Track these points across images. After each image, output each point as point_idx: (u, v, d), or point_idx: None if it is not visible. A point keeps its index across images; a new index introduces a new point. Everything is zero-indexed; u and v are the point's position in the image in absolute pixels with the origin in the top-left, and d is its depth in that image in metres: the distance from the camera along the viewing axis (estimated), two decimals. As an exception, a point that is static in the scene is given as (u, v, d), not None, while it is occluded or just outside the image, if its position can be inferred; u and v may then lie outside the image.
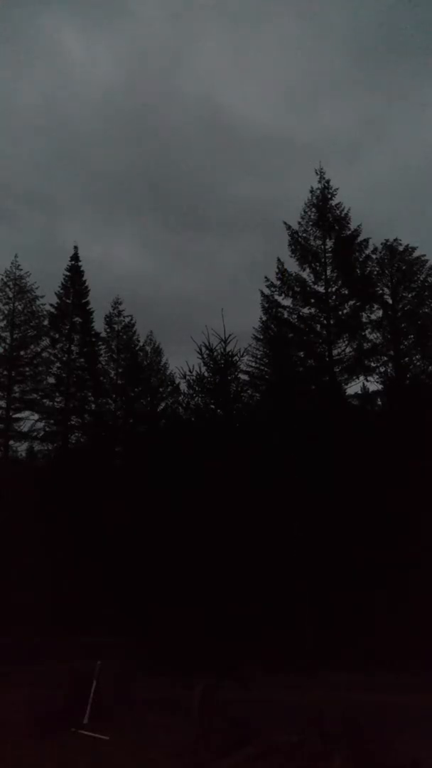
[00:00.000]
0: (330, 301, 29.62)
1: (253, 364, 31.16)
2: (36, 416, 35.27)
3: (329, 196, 30.43)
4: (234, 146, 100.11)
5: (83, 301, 36.96)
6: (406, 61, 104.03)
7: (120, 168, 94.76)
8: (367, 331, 29.77)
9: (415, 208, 74.94)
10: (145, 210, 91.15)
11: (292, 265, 30.18)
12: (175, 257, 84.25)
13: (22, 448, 36.64)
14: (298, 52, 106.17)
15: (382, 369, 29.83)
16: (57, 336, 36.23)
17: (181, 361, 40.38)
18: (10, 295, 35.88)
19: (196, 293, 72.90)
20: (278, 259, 30.27)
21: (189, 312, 65.96)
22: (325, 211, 30.22)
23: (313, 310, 29.94)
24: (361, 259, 30.14)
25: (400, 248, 30.66)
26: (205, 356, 22.69)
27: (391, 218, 66.44)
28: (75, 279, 37.00)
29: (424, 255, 30.44)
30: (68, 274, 36.97)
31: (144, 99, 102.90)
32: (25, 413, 35.43)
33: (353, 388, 29.78)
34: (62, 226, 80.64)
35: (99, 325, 37.49)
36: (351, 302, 29.71)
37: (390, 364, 29.83)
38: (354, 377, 29.31)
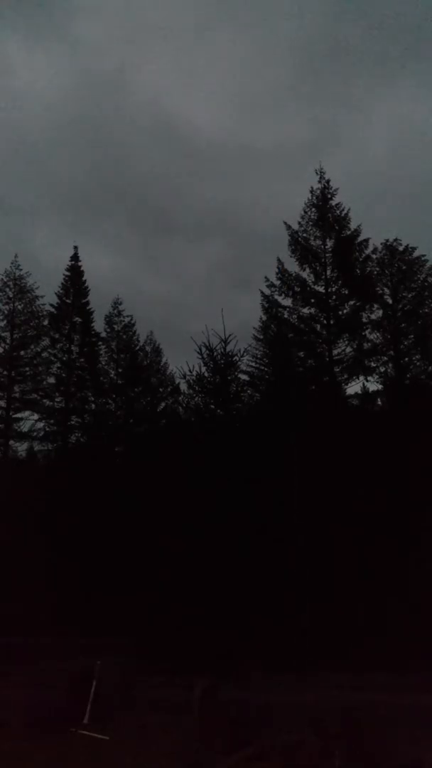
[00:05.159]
0: (330, 301, 29.62)
1: (253, 364, 31.18)
2: (36, 416, 35.25)
3: (329, 196, 30.45)
4: (190, 153, 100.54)
5: (83, 301, 36.93)
6: (352, 66, 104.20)
7: (84, 176, 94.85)
8: (367, 331, 29.82)
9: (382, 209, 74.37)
10: (111, 214, 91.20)
11: (292, 265, 30.25)
12: (146, 261, 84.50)
13: (22, 448, 36.65)
14: (250, 60, 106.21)
15: (382, 369, 29.84)
16: (57, 336, 36.20)
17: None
18: (10, 295, 35.86)
19: (169, 296, 72.96)
20: (278, 259, 30.34)
21: (167, 314, 66.11)
22: (325, 211, 30.23)
23: (313, 310, 29.96)
24: (361, 259, 30.16)
25: (400, 248, 30.64)
26: (205, 356, 22.77)
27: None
28: (75, 279, 36.98)
29: (424, 255, 30.46)
30: (68, 274, 36.96)
31: (98, 110, 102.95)
32: (25, 413, 35.42)
33: (353, 388, 29.88)
34: (27, 232, 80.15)
35: (99, 325, 37.53)
36: (351, 302, 29.72)
37: (390, 364, 29.82)
38: (354, 377, 29.36)
